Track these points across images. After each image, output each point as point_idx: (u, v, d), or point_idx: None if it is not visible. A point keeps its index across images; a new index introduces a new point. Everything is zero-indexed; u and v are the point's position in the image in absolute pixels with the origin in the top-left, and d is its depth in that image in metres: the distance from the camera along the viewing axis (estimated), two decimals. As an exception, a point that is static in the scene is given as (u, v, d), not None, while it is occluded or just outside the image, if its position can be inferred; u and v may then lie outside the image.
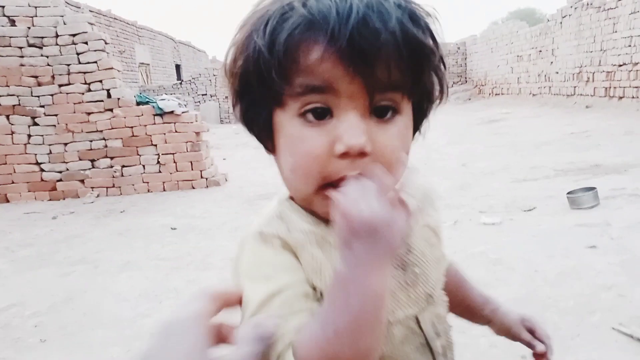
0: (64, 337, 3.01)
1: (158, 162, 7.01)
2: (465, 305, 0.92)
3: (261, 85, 0.61)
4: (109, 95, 6.87)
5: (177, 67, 26.45)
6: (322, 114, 0.60)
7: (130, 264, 4.12)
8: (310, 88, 0.59)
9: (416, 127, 0.71)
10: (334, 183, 0.60)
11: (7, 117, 6.90)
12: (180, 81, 22.00)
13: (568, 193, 4.48)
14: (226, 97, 18.97)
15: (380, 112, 0.62)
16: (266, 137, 0.67)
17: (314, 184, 0.62)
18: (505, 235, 3.98)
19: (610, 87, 11.47)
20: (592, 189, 4.47)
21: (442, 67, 0.66)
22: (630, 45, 10.80)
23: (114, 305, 3.40)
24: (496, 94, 18.11)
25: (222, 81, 0.67)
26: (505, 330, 0.94)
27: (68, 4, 7.04)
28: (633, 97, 10.63)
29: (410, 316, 0.71)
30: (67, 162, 7.00)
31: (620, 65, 11.13)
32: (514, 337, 0.94)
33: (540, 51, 14.84)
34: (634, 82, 10.66)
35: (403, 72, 0.60)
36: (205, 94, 20.51)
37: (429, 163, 7.19)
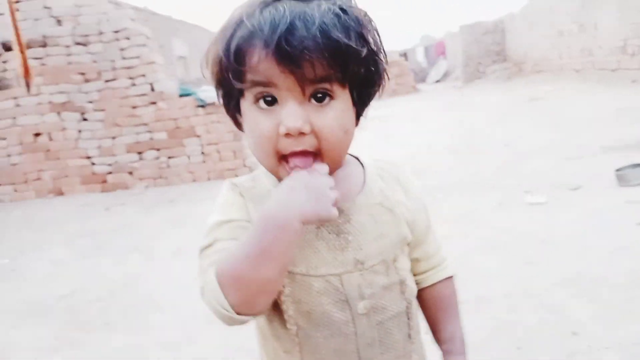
0: (126, 320, 3.18)
1: (202, 152, 7.20)
2: (432, 327, 1.01)
3: (226, 82, 0.77)
4: (152, 89, 7.08)
5: (214, 58, 26.70)
6: (272, 102, 0.75)
7: (183, 251, 4.28)
8: (256, 82, 0.74)
9: (361, 111, 0.84)
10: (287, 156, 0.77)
11: (58, 113, 7.20)
12: (217, 72, 22.23)
13: (617, 170, 4.39)
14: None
15: (318, 98, 0.75)
16: (238, 119, 0.84)
17: (272, 158, 0.78)
18: (552, 214, 3.95)
19: (657, 60, 11.05)
20: (641, 165, 4.37)
21: (372, 60, 0.78)
22: (678, 15, 10.36)
23: (171, 290, 3.55)
24: (537, 72, 17.63)
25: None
26: None
27: (109, 1, 7.26)
28: (683, 69, 10.21)
29: (334, 274, 0.84)
30: (115, 155, 7.27)
31: (668, 37, 10.69)
32: None
33: (582, 25, 14.36)
34: (684, 53, 10.24)
35: (328, 68, 0.72)
36: (242, 84, 20.69)
37: (471, 145, 7.14)
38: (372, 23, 0.79)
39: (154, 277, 3.83)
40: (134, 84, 7.08)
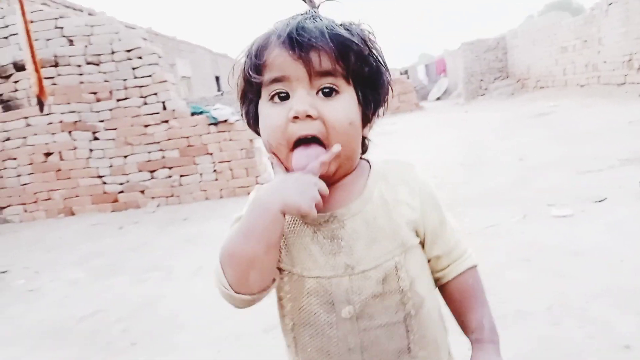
0: (152, 341, 3.09)
1: (214, 170, 7.15)
2: (459, 320, 0.98)
3: (248, 84, 0.89)
4: (164, 107, 7.06)
5: (217, 78, 26.87)
6: (285, 98, 0.84)
7: (203, 269, 4.21)
8: (273, 79, 0.84)
9: (368, 113, 0.90)
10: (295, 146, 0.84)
11: (70, 133, 7.17)
12: (221, 92, 22.35)
13: (642, 181, 4.33)
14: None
15: (326, 93, 0.84)
16: (256, 125, 0.93)
17: (283, 147, 0.85)
18: (580, 226, 3.89)
19: (664, 74, 11.07)
20: (666, 176, 4.31)
21: (374, 64, 0.87)
22: (684, 29, 10.40)
23: (195, 308, 3.47)
24: (540, 88, 17.68)
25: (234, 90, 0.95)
26: None
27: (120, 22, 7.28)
28: (690, 82, 10.21)
29: (324, 277, 0.88)
30: (127, 174, 7.22)
31: (673, 50, 10.72)
32: None
33: (586, 41, 14.42)
34: (690, 66, 10.25)
35: (333, 60, 0.81)
36: (246, 103, 20.75)
37: (484, 160, 7.09)
38: (375, 40, 0.88)
39: (175, 297, 3.74)
40: (145, 103, 7.06)
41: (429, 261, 0.96)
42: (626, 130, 7.52)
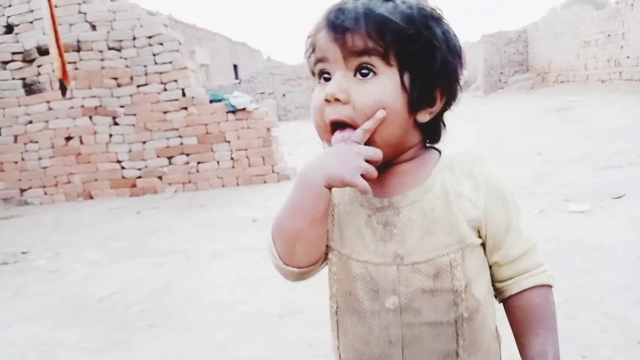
0: (170, 322, 3.15)
1: (231, 157, 7.21)
2: (518, 342, 0.89)
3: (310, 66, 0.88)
4: (183, 94, 7.12)
5: (235, 67, 26.92)
6: (328, 79, 0.83)
7: (219, 254, 4.27)
8: (318, 59, 0.84)
9: (418, 99, 0.82)
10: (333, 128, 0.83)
11: (90, 117, 7.27)
12: (238, 80, 22.41)
13: (662, 178, 4.29)
14: (284, 95, 18.83)
15: (363, 73, 0.80)
16: None
17: (322, 126, 0.84)
18: (598, 222, 3.87)
19: (689, 70, 10.87)
20: (688, 173, 4.26)
21: (426, 46, 0.80)
22: None
23: (212, 292, 3.54)
24: (561, 82, 17.45)
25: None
26: None
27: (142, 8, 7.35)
28: None
29: (372, 263, 0.86)
30: (145, 160, 7.31)
31: (700, 47, 10.51)
32: None
33: (609, 35, 14.19)
34: None
35: (367, 40, 0.78)
36: (264, 93, 20.79)
37: (502, 153, 7.05)
38: (436, 19, 0.83)
39: (193, 280, 3.81)
40: (165, 89, 7.13)
41: (490, 267, 0.89)
42: (648, 127, 7.41)
